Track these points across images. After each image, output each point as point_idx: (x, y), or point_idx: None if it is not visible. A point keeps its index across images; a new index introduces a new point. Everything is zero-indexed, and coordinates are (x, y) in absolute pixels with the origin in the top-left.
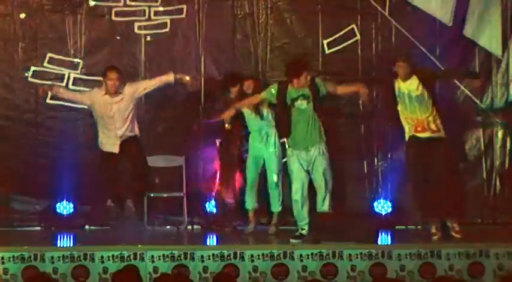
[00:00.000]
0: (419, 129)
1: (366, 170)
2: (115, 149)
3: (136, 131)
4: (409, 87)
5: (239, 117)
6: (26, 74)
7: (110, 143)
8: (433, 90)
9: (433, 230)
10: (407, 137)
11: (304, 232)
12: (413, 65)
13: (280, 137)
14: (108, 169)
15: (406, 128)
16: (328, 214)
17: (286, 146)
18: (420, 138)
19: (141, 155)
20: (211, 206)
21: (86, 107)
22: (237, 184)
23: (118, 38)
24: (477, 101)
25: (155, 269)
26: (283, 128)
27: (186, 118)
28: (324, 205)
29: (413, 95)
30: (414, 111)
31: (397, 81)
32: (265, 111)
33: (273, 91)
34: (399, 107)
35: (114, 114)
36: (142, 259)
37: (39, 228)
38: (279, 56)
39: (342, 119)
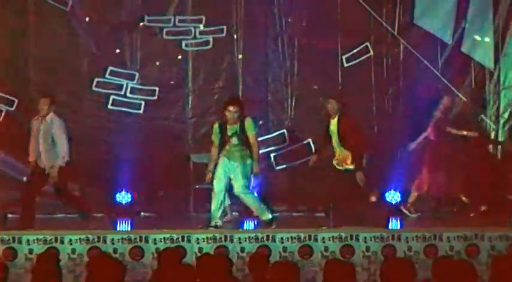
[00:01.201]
0: None
1: (379, 164)
2: None
3: None
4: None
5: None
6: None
7: None
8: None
9: None
10: None
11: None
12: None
13: None
14: None
15: None
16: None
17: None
18: None
19: None
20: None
21: (140, 111)
22: None
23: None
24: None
25: (200, 250)
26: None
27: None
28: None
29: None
30: None
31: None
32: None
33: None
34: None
35: None
36: (189, 241)
37: (101, 214)
38: (305, 69)
39: (357, 119)
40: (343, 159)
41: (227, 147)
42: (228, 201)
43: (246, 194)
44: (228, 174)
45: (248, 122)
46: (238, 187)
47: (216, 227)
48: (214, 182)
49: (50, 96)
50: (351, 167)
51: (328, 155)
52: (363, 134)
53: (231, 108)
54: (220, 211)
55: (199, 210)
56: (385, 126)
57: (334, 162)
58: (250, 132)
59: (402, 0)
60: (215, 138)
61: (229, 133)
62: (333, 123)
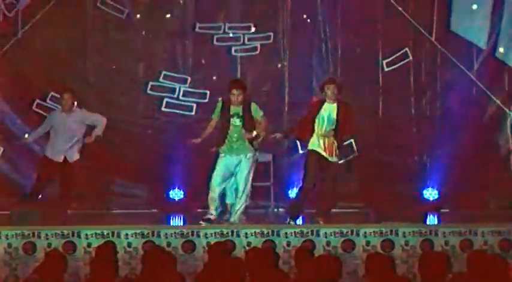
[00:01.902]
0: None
1: (416, 163)
2: None
3: None
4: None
5: None
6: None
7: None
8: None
9: None
10: None
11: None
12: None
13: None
14: None
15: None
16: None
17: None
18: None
19: None
20: (293, 193)
21: (192, 113)
22: None
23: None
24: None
25: (248, 243)
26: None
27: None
28: (241, 199)
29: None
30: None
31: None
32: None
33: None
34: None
35: None
36: (238, 235)
37: (155, 210)
38: (347, 73)
39: (397, 121)
40: (328, 148)
41: (226, 142)
42: (232, 201)
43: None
44: (231, 171)
45: (254, 106)
46: (240, 179)
47: (208, 221)
48: (213, 178)
49: (72, 91)
50: (334, 159)
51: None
52: (354, 125)
53: (234, 91)
54: (215, 206)
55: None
56: (423, 128)
57: (318, 149)
58: (258, 115)
59: (439, 8)
60: (215, 114)
61: (231, 112)
62: (331, 109)
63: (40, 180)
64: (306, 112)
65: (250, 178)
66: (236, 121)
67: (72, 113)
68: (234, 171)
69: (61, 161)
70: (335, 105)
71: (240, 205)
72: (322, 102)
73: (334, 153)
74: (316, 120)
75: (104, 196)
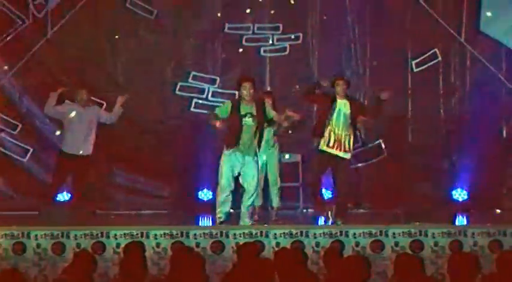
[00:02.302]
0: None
1: (445, 164)
2: None
3: None
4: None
5: None
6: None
7: None
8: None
9: None
10: None
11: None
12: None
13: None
14: None
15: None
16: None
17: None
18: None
19: None
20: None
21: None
22: None
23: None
24: None
25: (277, 244)
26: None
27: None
28: (248, 202)
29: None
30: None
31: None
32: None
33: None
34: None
35: None
36: (267, 236)
37: (184, 211)
38: (376, 74)
39: (426, 121)
40: (341, 145)
41: (240, 146)
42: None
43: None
44: (235, 172)
45: (266, 103)
46: (248, 180)
47: (221, 223)
48: (220, 179)
49: (86, 88)
50: (346, 155)
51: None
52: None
53: (246, 84)
54: (225, 207)
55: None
56: (453, 128)
57: (325, 146)
58: (272, 112)
59: (468, 8)
60: (220, 111)
61: (242, 112)
62: (343, 104)
63: (59, 176)
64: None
65: (257, 180)
66: (248, 121)
67: (89, 108)
68: (239, 171)
69: (79, 154)
70: (346, 100)
71: (245, 207)
72: (332, 99)
73: (346, 149)
74: (332, 117)
75: (132, 196)
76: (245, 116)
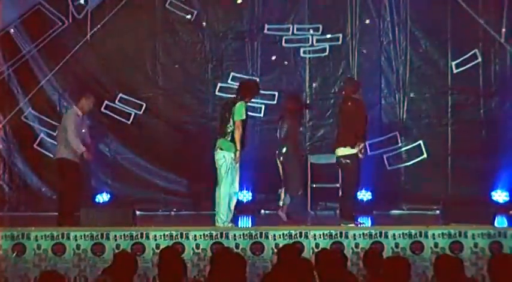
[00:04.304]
0: None
1: (486, 165)
2: None
3: None
4: None
5: None
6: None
7: None
8: None
9: None
10: None
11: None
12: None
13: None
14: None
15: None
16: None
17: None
18: None
19: None
20: (361, 195)
21: (261, 115)
22: None
23: (286, 63)
24: None
25: (317, 245)
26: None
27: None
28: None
29: None
30: None
31: None
32: None
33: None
34: None
35: None
36: (306, 237)
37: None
38: (416, 75)
39: (466, 123)
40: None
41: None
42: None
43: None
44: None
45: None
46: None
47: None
48: (230, 184)
49: (92, 96)
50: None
51: None
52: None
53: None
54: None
55: (316, 208)
56: (493, 128)
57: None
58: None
59: (509, 8)
60: (242, 116)
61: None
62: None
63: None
64: (359, 113)
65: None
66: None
67: (84, 116)
68: None
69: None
70: None
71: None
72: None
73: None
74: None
75: (171, 197)
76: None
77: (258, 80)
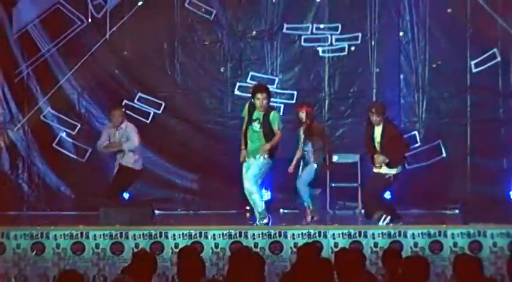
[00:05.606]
0: None
1: (505, 165)
2: None
3: None
4: None
5: None
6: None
7: None
8: None
9: None
10: None
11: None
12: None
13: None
14: None
15: None
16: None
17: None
18: None
19: None
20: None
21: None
22: None
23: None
24: None
25: (336, 244)
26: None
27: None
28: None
29: None
30: None
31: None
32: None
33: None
34: None
35: None
36: (325, 236)
37: (242, 211)
38: (435, 74)
39: (485, 122)
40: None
41: (248, 148)
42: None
43: (252, 187)
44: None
45: (274, 115)
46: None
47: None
48: (252, 183)
49: (121, 108)
50: (387, 171)
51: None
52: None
53: (258, 95)
54: (261, 209)
55: (335, 207)
56: None
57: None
58: (275, 125)
59: None
60: (245, 113)
61: (253, 117)
62: (377, 131)
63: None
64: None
65: (259, 181)
66: (256, 126)
67: (120, 128)
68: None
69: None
70: (380, 126)
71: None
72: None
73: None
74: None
75: (190, 196)
76: (255, 121)
77: (262, 82)
